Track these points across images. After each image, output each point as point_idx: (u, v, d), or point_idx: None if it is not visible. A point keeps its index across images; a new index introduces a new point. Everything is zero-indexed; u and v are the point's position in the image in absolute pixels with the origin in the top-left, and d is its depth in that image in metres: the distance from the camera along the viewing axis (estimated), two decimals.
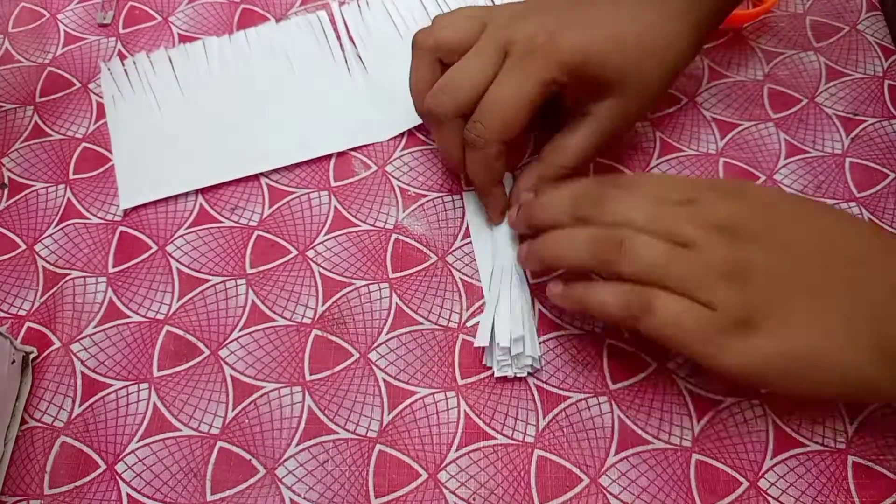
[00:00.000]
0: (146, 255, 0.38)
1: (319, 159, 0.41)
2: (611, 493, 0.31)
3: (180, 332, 0.36)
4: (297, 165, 0.41)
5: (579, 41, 0.33)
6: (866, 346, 0.27)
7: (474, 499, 0.32)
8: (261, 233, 0.39)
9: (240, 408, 0.34)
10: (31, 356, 0.35)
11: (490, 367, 0.34)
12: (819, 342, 0.27)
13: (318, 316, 0.36)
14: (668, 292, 0.28)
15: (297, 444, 0.33)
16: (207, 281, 0.37)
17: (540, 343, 0.35)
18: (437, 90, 0.34)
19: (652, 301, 0.28)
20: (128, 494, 0.32)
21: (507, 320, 0.34)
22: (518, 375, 0.34)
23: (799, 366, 0.27)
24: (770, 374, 0.28)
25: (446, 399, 0.34)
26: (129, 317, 0.37)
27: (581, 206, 0.31)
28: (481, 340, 0.34)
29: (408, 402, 0.34)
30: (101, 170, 0.41)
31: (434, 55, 0.35)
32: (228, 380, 0.35)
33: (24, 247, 0.39)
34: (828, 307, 0.28)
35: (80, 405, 0.34)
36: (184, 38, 0.46)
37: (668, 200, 0.30)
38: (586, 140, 0.35)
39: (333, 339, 0.36)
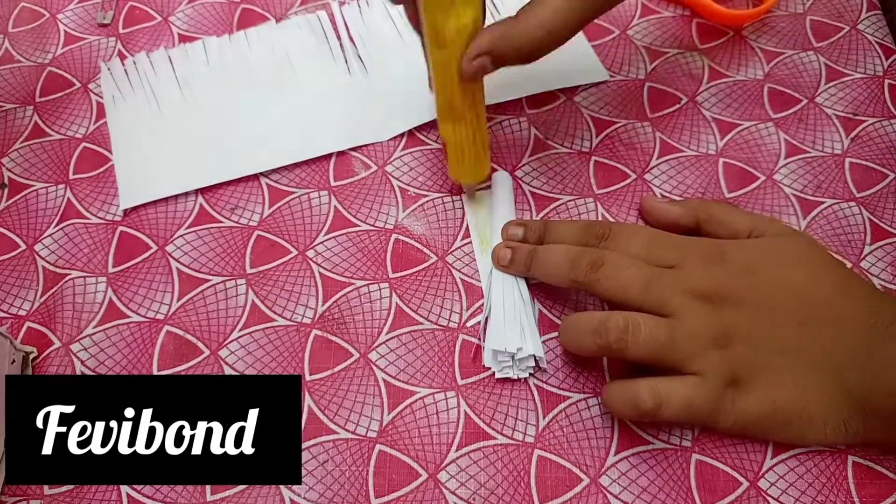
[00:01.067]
0: (146, 255, 0.38)
1: (319, 159, 0.41)
2: (611, 493, 0.31)
3: (180, 332, 0.36)
4: (297, 165, 0.41)
5: None
6: (837, 399, 0.30)
7: (474, 499, 0.32)
8: (261, 233, 0.39)
9: None
10: (31, 356, 0.35)
11: (490, 368, 0.34)
12: (797, 398, 0.30)
13: (318, 316, 0.36)
14: (663, 374, 0.31)
15: None
16: (207, 281, 0.37)
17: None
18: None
19: (660, 394, 0.30)
20: (128, 494, 0.32)
21: (510, 322, 0.34)
22: (519, 377, 0.34)
23: (783, 420, 0.31)
24: (758, 429, 0.31)
25: (446, 399, 0.34)
26: (129, 317, 0.37)
27: (578, 272, 0.33)
28: (493, 343, 0.34)
29: (408, 402, 0.34)
30: (101, 170, 0.41)
31: None
32: None
33: (24, 247, 0.39)
34: (803, 365, 0.31)
35: None
36: (184, 38, 0.46)
37: (654, 263, 0.32)
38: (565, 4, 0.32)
39: (333, 339, 0.36)
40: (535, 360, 0.34)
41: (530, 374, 0.34)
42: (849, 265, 0.36)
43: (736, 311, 0.31)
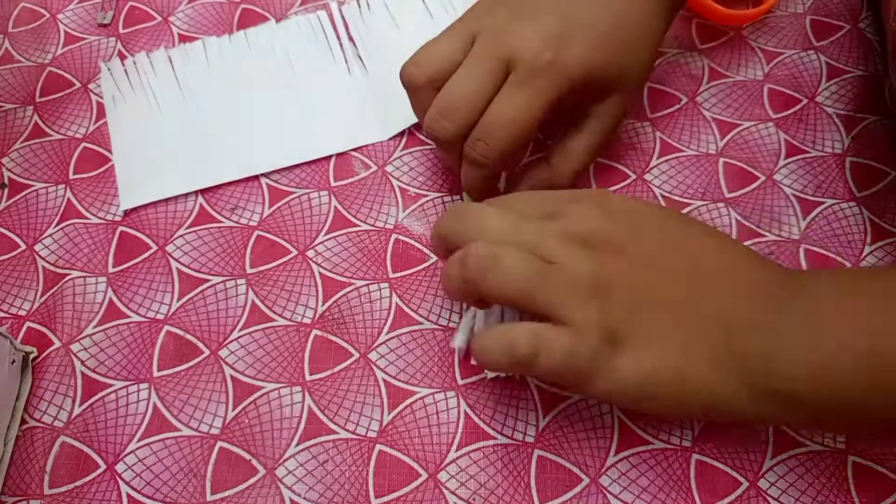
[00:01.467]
0: (146, 255, 0.38)
1: (319, 159, 0.41)
2: (611, 493, 0.31)
3: (180, 332, 0.36)
4: (297, 165, 0.41)
5: (582, 53, 0.33)
6: (727, 368, 0.27)
7: (474, 499, 0.32)
8: (261, 233, 0.39)
9: (240, 408, 0.34)
10: (31, 356, 0.35)
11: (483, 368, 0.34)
12: (680, 360, 0.27)
13: (318, 316, 0.36)
14: (541, 323, 0.27)
15: (297, 444, 0.33)
16: (207, 281, 0.37)
17: None
18: (436, 113, 0.33)
19: (542, 340, 0.26)
20: (128, 494, 0.32)
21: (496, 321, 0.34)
22: (510, 375, 0.34)
23: (666, 386, 0.27)
24: (639, 396, 0.27)
25: (446, 399, 0.34)
26: (129, 317, 0.37)
27: (444, 226, 0.30)
28: (459, 341, 0.34)
29: (408, 402, 0.34)
30: (101, 170, 0.41)
31: (430, 89, 0.34)
32: (228, 380, 0.35)
33: (24, 247, 0.39)
34: (689, 323, 0.27)
35: (80, 405, 0.34)
36: (184, 38, 0.46)
37: (531, 215, 0.29)
38: (592, 141, 0.36)
39: (333, 339, 0.36)
40: None
41: None
42: (848, 265, 0.36)
43: (617, 258, 0.28)
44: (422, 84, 0.34)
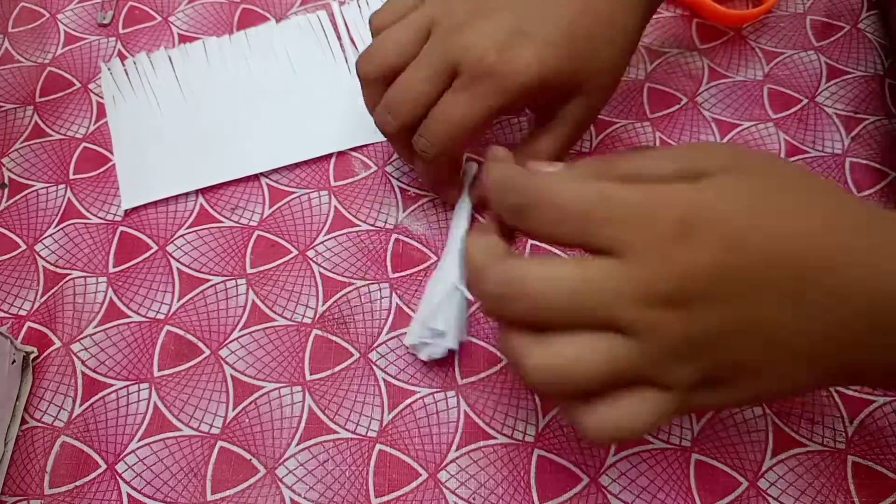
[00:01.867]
0: (146, 255, 0.38)
1: (319, 159, 0.41)
2: (611, 493, 0.31)
3: (180, 332, 0.36)
4: (297, 165, 0.41)
5: (534, 57, 0.31)
6: (826, 370, 0.24)
7: (474, 499, 0.32)
8: (261, 233, 0.39)
9: (240, 408, 0.34)
10: (32, 356, 0.35)
11: (452, 353, 0.34)
12: (780, 390, 0.25)
13: (318, 316, 0.36)
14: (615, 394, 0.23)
15: (298, 444, 0.33)
16: (207, 281, 0.37)
17: None
18: (382, 108, 0.34)
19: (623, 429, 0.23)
20: (128, 494, 0.32)
21: (438, 304, 0.33)
22: (433, 357, 0.33)
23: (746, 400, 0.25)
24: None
25: (446, 399, 0.34)
26: (129, 317, 0.37)
27: (494, 302, 0.25)
28: (411, 338, 0.34)
29: (408, 401, 0.34)
30: (102, 170, 0.41)
31: (381, 84, 0.34)
32: (229, 380, 0.35)
33: (24, 247, 0.39)
34: (797, 356, 0.24)
35: (80, 405, 0.34)
36: (184, 38, 0.46)
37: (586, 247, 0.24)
38: (558, 142, 0.35)
39: (333, 338, 0.36)
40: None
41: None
42: None
43: (709, 311, 0.23)
44: (372, 79, 0.34)
